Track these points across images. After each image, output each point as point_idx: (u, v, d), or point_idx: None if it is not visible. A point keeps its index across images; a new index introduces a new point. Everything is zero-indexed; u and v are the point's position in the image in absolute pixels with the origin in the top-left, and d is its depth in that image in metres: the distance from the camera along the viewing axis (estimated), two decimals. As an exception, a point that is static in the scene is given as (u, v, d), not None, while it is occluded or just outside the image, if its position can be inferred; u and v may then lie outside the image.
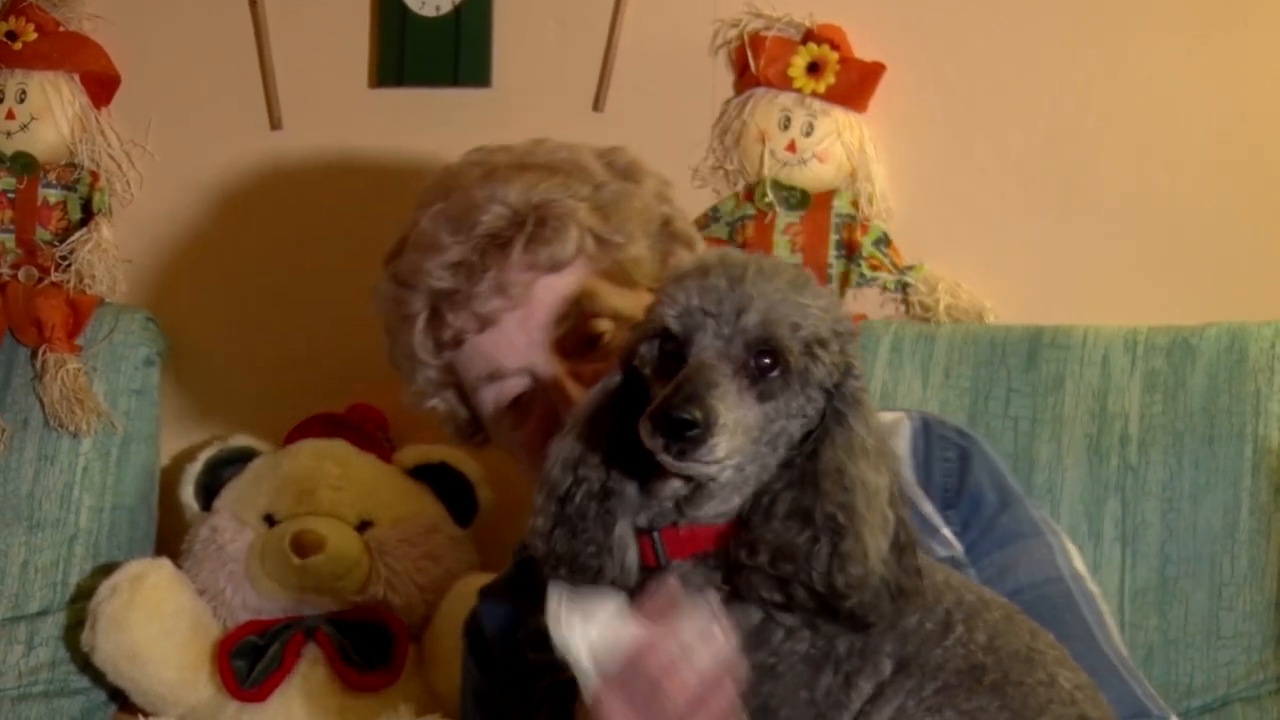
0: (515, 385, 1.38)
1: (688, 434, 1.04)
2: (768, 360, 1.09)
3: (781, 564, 1.08)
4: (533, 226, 1.37)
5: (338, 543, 2.03)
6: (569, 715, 1.21)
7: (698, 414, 1.04)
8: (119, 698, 2.13)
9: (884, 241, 2.11)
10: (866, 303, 2.12)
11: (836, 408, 1.11)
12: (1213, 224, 2.04)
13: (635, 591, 1.13)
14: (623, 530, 1.13)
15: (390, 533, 2.08)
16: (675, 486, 1.13)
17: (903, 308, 2.11)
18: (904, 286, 2.10)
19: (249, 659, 2.01)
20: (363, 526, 2.08)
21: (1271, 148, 2.02)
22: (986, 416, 1.93)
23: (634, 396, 1.14)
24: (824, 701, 1.10)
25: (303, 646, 2.02)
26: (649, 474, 1.13)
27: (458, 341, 1.39)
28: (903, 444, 1.41)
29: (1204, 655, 1.81)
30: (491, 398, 1.40)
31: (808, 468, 1.10)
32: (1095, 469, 1.88)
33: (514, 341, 1.37)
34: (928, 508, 1.38)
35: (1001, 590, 1.27)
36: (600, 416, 1.16)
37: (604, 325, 1.37)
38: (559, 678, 1.27)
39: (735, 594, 1.11)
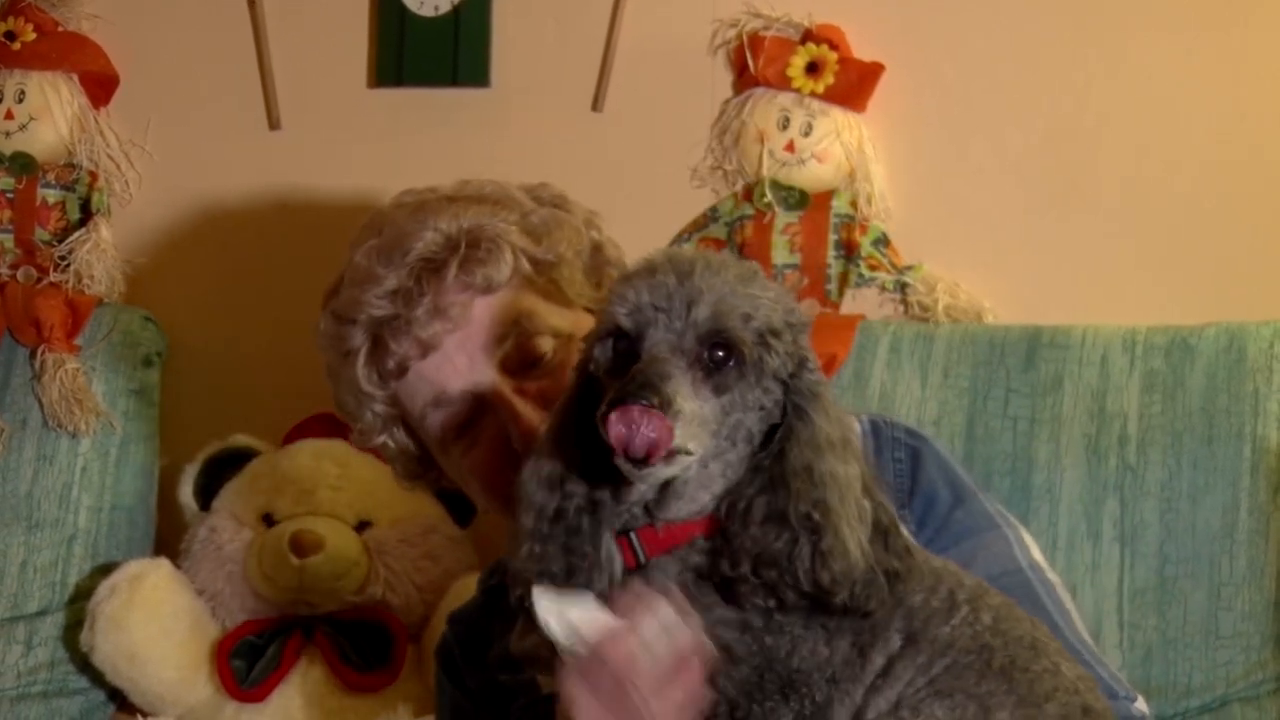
0: (461, 410, 1.38)
1: None
2: (721, 352, 1.08)
3: (765, 570, 1.08)
4: (465, 249, 1.37)
5: (336, 543, 2.03)
6: None
7: (655, 400, 1.03)
8: (118, 698, 2.13)
9: (883, 241, 2.11)
10: (865, 303, 2.12)
11: (796, 403, 1.11)
12: (1211, 224, 2.04)
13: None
14: (600, 537, 1.13)
15: (389, 533, 2.08)
16: (642, 489, 1.12)
17: (901, 308, 2.11)
18: (903, 286, 2.10)
19: (248, 659, 2.01)
20: (361, 526, 2.08)
21: (1270, 148, 2.02)
22: (985, 417, 1.93)
23: (595, 404, 1.13)
24: (842, 670, 1.10)
25: (301, 647, 2.02)
26: (617, 478, 1.12)
27: (401, 370, 1.38)
28: None
29: (1203, 655, 1.81)
30: (438, 424, 1.39)
31: (776, 468, 1.10)
32: (1094, 469, 1.88)
33: (456, 363, 1.37)
34: None
35: None
36: (566, 430, 1.15)
37: (545, 344, 1.36)
38: (533, 697, 1.27)
39: (719, 581, 1.11)
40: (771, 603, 1.09)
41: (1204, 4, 2.04)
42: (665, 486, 1.12)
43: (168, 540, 2.21)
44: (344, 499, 2.09)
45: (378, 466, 2.14)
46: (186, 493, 2.17)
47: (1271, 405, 1.85)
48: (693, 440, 1.06)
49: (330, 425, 2.19)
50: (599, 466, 1.11)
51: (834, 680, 1.10)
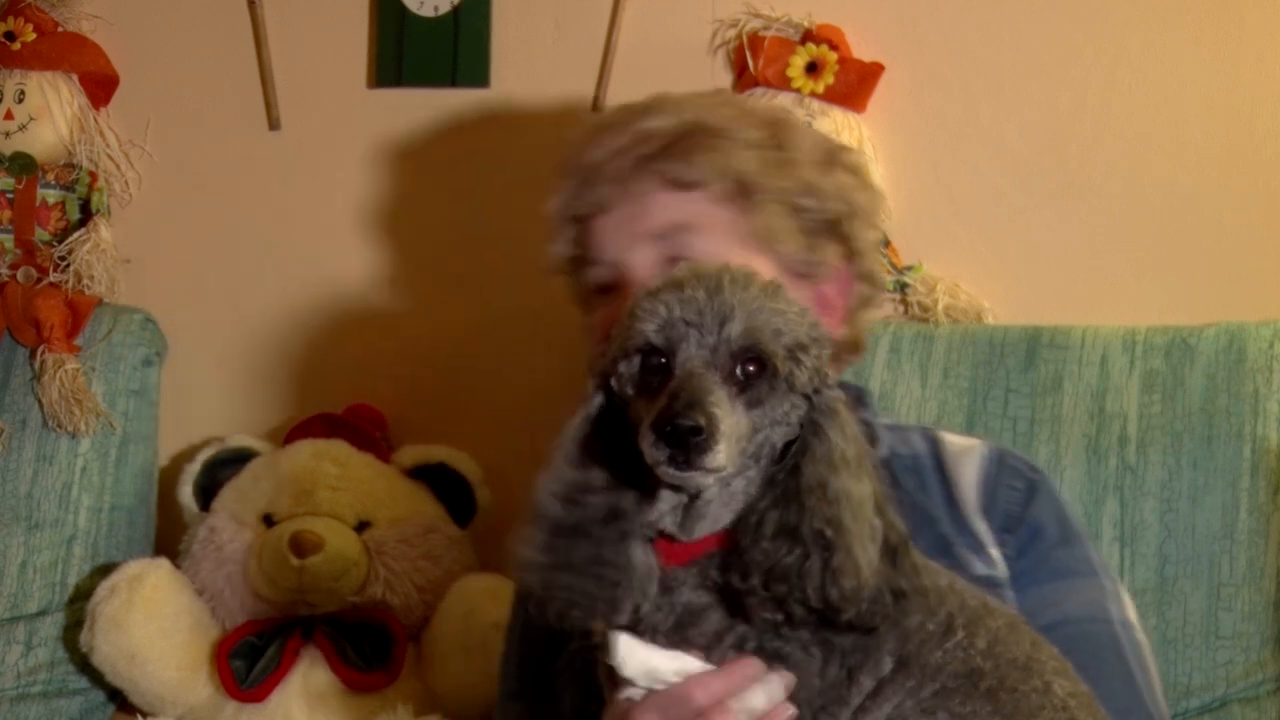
0: (603, 275, 1.43)
1: (693, 441, 1.04)
2: (753, 367, 1.09)
3: (775, 585, 1.08)
4: (679, 138, 1.42)
5: (336, 543, 2.03)
6: (585, 688, 1.21)
7: (701, 420, 1.04)
8: (118, 698, 2.13)
9: (882, 242, 2.11)
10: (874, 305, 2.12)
11: (813, 419, 1.12)
12: (1211, 224, 2.04)
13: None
14: (634, 553, 1.13)
15: (389, 533, 2.08)
16: (662, 509, 1.13)
17: (901, 308, 2.11)
18: (902, 287, 2.10)
19: (248, 659, 2.01)
20: (361, 527, 2.08)
21: (1270, 147, 2.02)
22: (985, 417, 1.93)
23: (610, 419, 1.14)
24: (828, 693, 1.10)
25: (301, 647, 2.02)
26: (639, 496, 1.13)
27: (581, 217, 1.45)
28: (972, 467, 1.45)
29: (1203, 655, 1.81)
30: (587, 277, 1.46)
31: (790, 484, 1.10)
32: (1094, 469, 1.88)
33: (613, 234, 1.42)
34: (980, 525, 1.41)
35: (1044, 621, 1.28)
36: (588, 442, 1.15)
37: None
38: (585, 644, 1.28)
39: (730, 594, 1.11)
40: (778, 617, 1.09)
41: (1204, 4, 2.04)
42: (689, 507, 1.12)
43: (167, 541, 2.21)
44: (344, 499, 2.09)
45: (377, 467, 2.15)
46: (186, 493, 2.17)
47: (1271, 405, 1.85)
48: (730, 458, 1.07)
49: (330, 425, 2.19)
50: (623, 481, 1.12)
51: (823, 709, 1.10)
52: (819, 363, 1.12)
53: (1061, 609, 1.37)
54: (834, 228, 1.46)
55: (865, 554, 1.08)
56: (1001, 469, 1.45)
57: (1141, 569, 1.84)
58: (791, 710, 1.09)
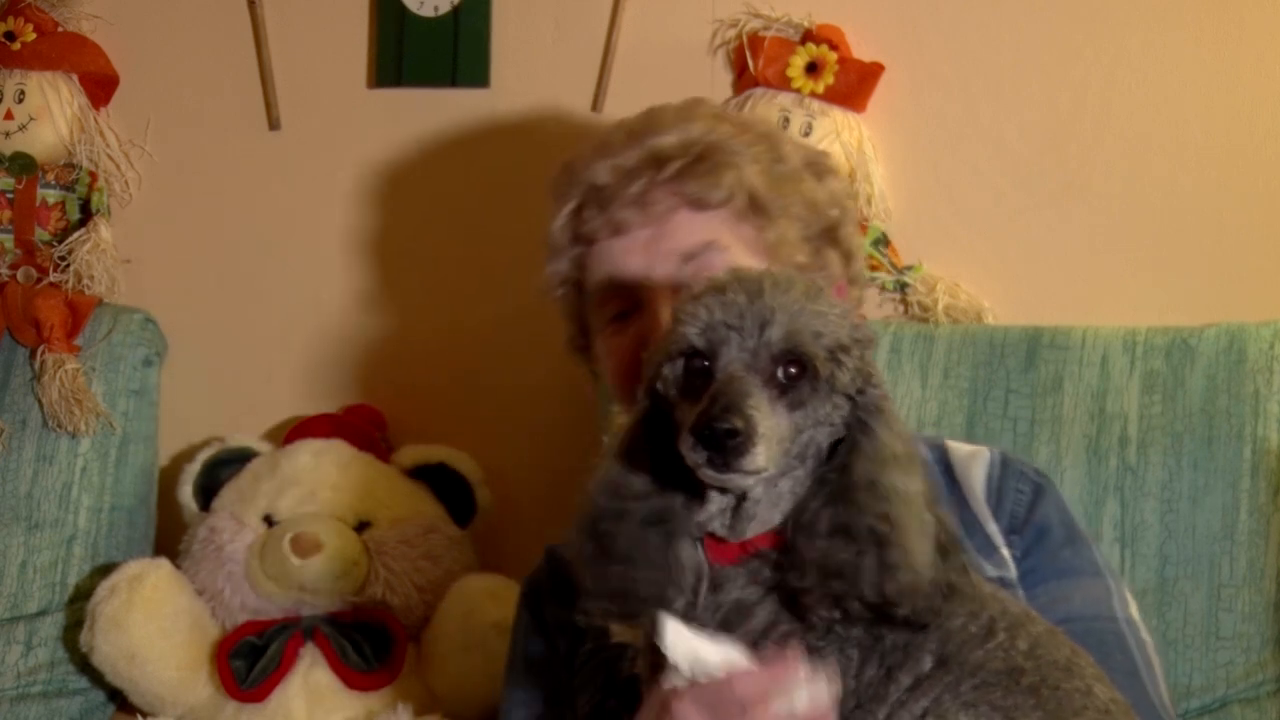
0: (624, 298, 1.43)
1: (730, 443, 1.06)
2: (794, 369, 1.10)
3: (832, 582, 1.09)
4: (694, 159, 1.43)
5: (336, 543, 2.03)
6: (606, 682, 1.21)
7: (739, 423, 1.05)
8: (118, 698, 2.13)
9: (883, 241, 2.11)
10: (865, 303, 2.11)
11: (861, 418, 1.13)
12: (1211, 224, 2.04)
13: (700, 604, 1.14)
14: (682, 551, 1.14)
15: (389, 533, 2.08)
16: (711, 511, 1.14)
17: (901, 308, 2.11)
18: (903, 286, 2.10)
19: (248, 659, 2.01)
20: (361, 527, 2.08)
21: (1270, 147, 2.02)
22: (985, 417, 1.92)
23: (657, 422, 1.15)
24: (864, 691, 1.11)
25: (301, 647, 2.02)
26: (687, 498, 1.14)
27: (591, 239, 1.45)
28: (979, 470, 1.47)
29: (1203, 656, 1.81)
30: (602, 303, 1.45)
31: (841, 482, 1.12)
32: (1094, 470, 1.88)
33: (636, 257, 1.42)
34: (992, 527, 1.43)
35: (1051, 617, 1.29)
36: (638, 444, 1.17)
37: None
38: (602, 643, 1.28)
39: (786, 593, 1.12)
40: (836, 614, 1.10)
41: (1203, 4, 2.04)
42: (737, 509, 1.13)
43: (167, 541, 2.21)
44: (344, 499, 2.09)
45: (377, 467, 2.15)
46: (186, 493, 2.17)
47: (1272, 406, 1.85)
48: (771, 459, 1.08)
49: (330, 425, 2.19)
50: (672, 484, 1.14)
51: (858, 706, 1.11)
52: (862, 363, 1.14)
53: (1067, 607, 1.38)
54: (831, 234, 1.49)
55: (920, 548, 1.09)
56: (1007, 472, 1.47)
57: (1142, 569, 1.84)
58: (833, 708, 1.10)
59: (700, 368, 1.11)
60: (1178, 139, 2.05)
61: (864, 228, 2.11)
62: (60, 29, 2.33)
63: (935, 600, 1.10)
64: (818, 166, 1.50)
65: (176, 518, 2.20)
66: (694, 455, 1.07)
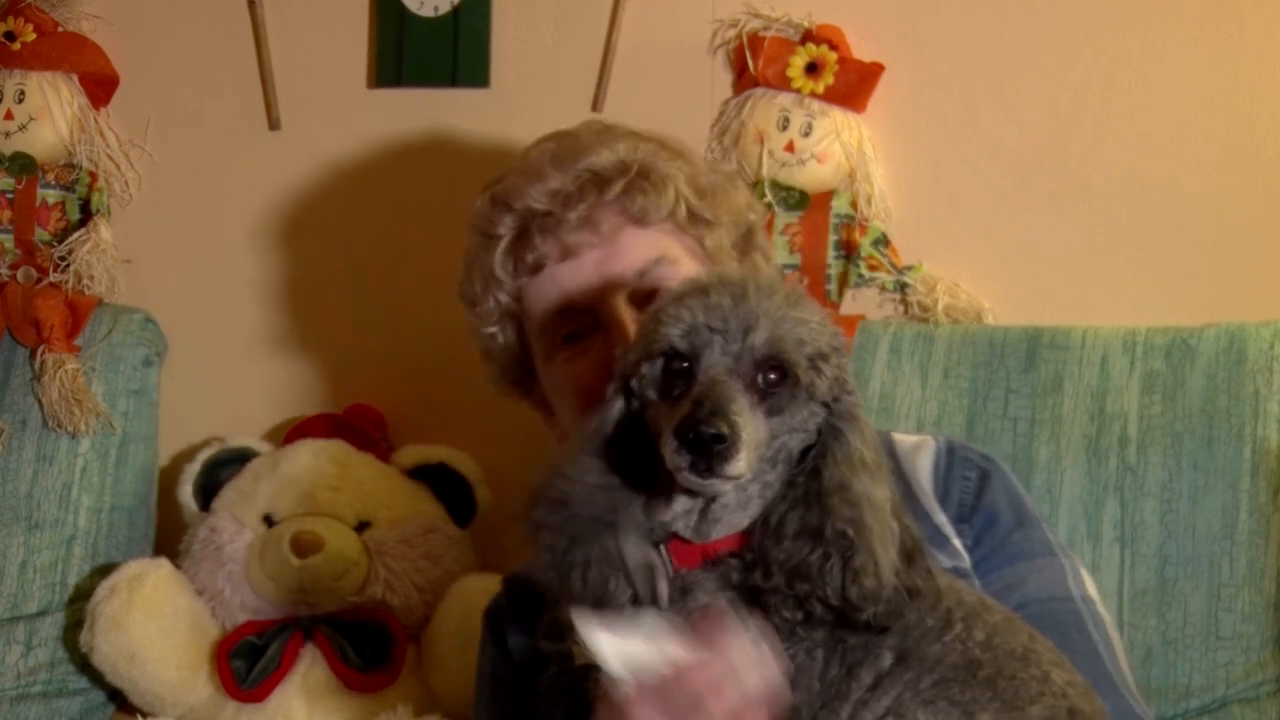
0: (578, 322, 1.43)
1: (716, 449, 1.05)
2: (775, 376, 1.10)
3: (797, 583, 1.09)
4: (635, 176, 1.44)
5: (336, 543, 2.03)
6: (573, 706, 1.21)
7: (725, 428, 1.05)
8: (118, 698, 2.13)
9: (882, 242, 2.11)
10: (865, 303, 2.12)
11: (834, 424, 1.13)
12: (1211, 224, 2.04)
13: (662, 605, 1.14)
14: (631, 546, 1.14)
15: (389, 533, 2.08)
16: (676, 511, 1.14)
17: (901, 308, 2.11)
18: (902, 287, 2.10)
19: (248, 659, 2.01)
20: (361, 527, 2.08)
21: (1270, 147, 2.02)
22: (985, 417, 1.92)
23: (627, 420, 1.15)
24: (827, 691, 1.11)
25: (301, 647, 2.02)
26: (649, 496, 1.14)
27: (537, 266, 1.44)
28: (925, 462, 1.46)
29: (1203, 656, 1.81)
30: (553, 328, 1.44)
31: (811, 486, 1.12)
32: (1094, 470, 1.88)
33: (588, 277, 1.42)
34: (941, 518, 1.43)
35: (1007, 603, 1.30)
36: (600, 438, 1.17)
37: None
38: (565, 667, 1.28)
39: (751, 598, 1.12)
40: (799, 616, 1.10)
41: (1204, 4, 2.04)
42: (704, 511, 1.13)
43: (167, 541, 2.21)
44: (344, 499, 2.09)
45: (377, 467, 2.15)
46: (186, 493, 2.17)
47: (1272, 406, 1.85)
48: (750, 465, 1.08)
49: (330, 425, 2.19)
50: (633, 481, 1.13)
51: (823, 706, 1.11)
52: (839, 371, 1.14)
53: (1023, 590, 1.38)
54: (751, 239, 1.52)
55: (886, 555, 1.10)
56: (953, 460, 1.47)
57: (1142, 570, 1.84)
58: (788, 695, 1.10)
59: (680, 369, 1.11)
60: (1178, 139, 2.05)
61: (864, 228, 2.11)
62: (60, 29, 2.33)
63: (898, 605, 1.10)
64: (728, 175, 1.54)
65: (176, 518, 2.20)
66: (677, 459, 1.07)
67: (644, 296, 1.39)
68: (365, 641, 2.02)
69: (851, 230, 2.12)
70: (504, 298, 1.48)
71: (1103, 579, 1.84)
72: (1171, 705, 1.80)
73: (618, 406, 1.17)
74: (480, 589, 2.03)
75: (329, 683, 2.01)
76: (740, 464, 1.06)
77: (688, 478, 1.07)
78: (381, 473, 2.15)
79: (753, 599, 1.12)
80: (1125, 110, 2.06)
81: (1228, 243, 2.03)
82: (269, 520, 2.09)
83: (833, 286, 2.12)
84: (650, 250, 1.42)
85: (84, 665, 2.10)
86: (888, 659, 1.12)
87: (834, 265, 2.12)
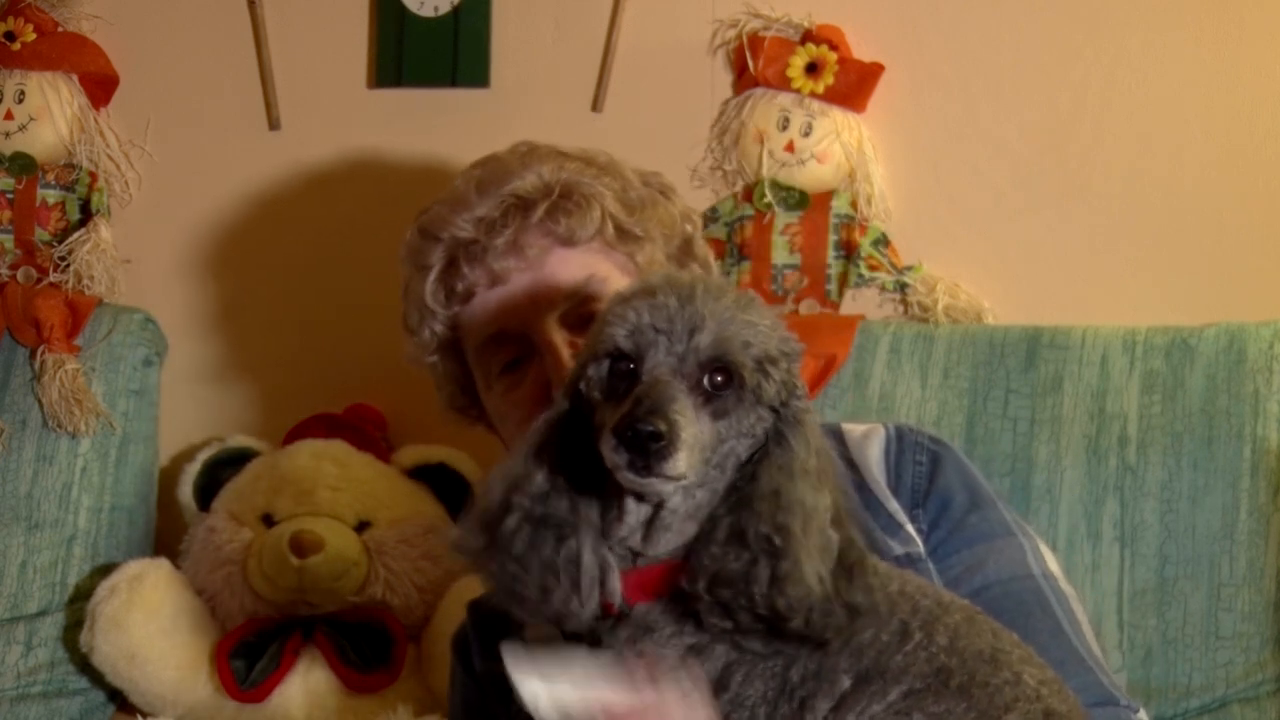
0: (513, 348, 1.42)
1: (653, 447, 1.04)
2: (720, 378, 1.09)
3: (720, 589, 1.07)
4: (558, 197, 1.43)
5: (336, 543, 2.03)
6: None
7: (662, 426, 1.03)
8: (118, 698, 2.13)
9: (882, 242, 2.11)
10: (865, 303, 2.12)
11: (779, 429, 1.11)
12: (1211, 224, 2.04)
13: (594, 639, 1.12)
14: (583, 557, 1.12)
15: (389, 533, 2.08)
16: (630, 524, 1.12)
17: (901, 308, 2.11)
18: (902, 287, 2.10)
19: (248, 659, 2.01)
20: (361, 527, 2.08)
21: (1270, 147, 2.02)
22: (985, 417, 1.93)
23: (577, 425, 1.14)
24: None
25: (301, 647, 2.02)
26: (602, 508, 1.12)
27: (467, 295, 1.44)
28: (875, 450, 1.45)
29: (1203, 656, 1.81)
30: (489, 357, 1.44)
31: (746, 490, 1.10)
32: (1094, 469, 1.88)
33: (519, 302, 1.41)
34: (893, 505, 1.41)
35: (968, 586, 1.29)
36: (547, 444, 1.15)
37: None
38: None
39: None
40: (726, 623, 1.08)
41: (1204, 4, 2.04)
42: (652, 520, 1.12)
43: (167, 541, 2.21)
44: (344, 499, 2.09)
45: (377, 467, 2.15)
46: (186, 493, 2.17)
47: (1272, 406, 1.85)
48: (691, 466, 1.06)
49: (330, 425, 2.19)
50: (584, 486, 1.12)
51: None
52: (788, 375, 1.12)
53: (983, 573, 1.37)
54: (688, 248, 1.52)
55: (813, 563, 1.07)
56: (903, 446, 1.45)
57: (1141, 569, 1.84)
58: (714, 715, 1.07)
59: (625, 370, 1.09)
60: (1178, 139, 2.05)
61: (864, 228, 2.11)
62: (60, 29, 2.33)
63: (836, 618, 1.07)
64: (661, 187, 1.52)
65: (176, 518, 2.20)
66: (615, 456, 1.05)
67: (578, 318, 1.38)
68: (365, 642, 2.02)
69: (851, 230, 2.12)
70: (439, 328, 1.47)
71: (1103, 579, 1.84)
72: (1171, 705, 1.80)
73: (561, 409, 1.15)
74: (480, 590, 2.03)
75: (329, 683, 2.01)
76: (680, 464, 1.04)
77: (626, 476, 1.06)
78: (381, 473, 2.15)
79: (684, 605, 1.09)
80: (1125, 110, 2.06)
81: (1228, 243, 2.03)
82: (269, 520, 2.09)
83: (833, 286, 2.12)
84: (579, 270, 1.41)
85: (84, 665, 2.10)
86: (845, 682, 1.09)
87: (834, 265, 2.13)
